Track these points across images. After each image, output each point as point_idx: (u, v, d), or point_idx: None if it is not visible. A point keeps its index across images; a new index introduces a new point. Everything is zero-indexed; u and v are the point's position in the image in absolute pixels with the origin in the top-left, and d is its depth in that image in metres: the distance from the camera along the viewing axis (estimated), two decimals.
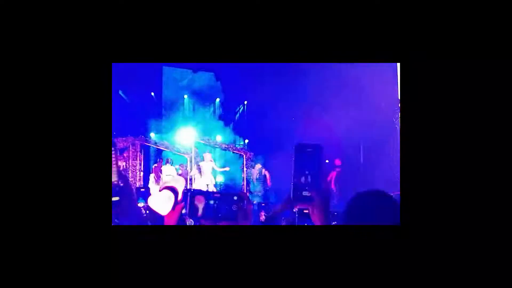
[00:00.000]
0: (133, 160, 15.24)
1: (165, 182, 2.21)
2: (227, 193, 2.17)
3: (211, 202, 2.17)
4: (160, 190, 2.19)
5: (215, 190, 11.85)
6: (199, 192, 2.19)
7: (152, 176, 15.04)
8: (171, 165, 14.97)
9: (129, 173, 14.97)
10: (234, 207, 2.15)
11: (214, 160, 16.02)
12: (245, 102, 19.59)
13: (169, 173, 14.50)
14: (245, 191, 15.51)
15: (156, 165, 15.19)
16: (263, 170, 16.05)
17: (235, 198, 2.14)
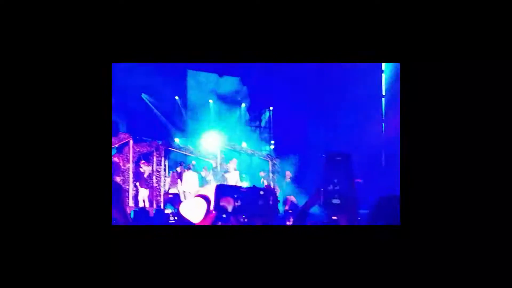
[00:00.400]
0: (158, 165, 15.26)
1: (197, 191, 2.23)
2: (254, 188, 2.15)
3: (236, 196, 2.16)
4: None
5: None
6: (225, 186, 2.18)
7: (167, 181, 15.01)
8: (194, 171, 14.90)
9: (153, 179, 15.00)
10: (260, 202, 2.13)
11: (239, 167, 15.96)
12: (271, 108, 19.56)
13: (191, 180, 14.46)
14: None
15: (179, 169, 15.15)
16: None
17: (262, 193, 2.12)
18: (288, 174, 16.11)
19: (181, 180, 14.63)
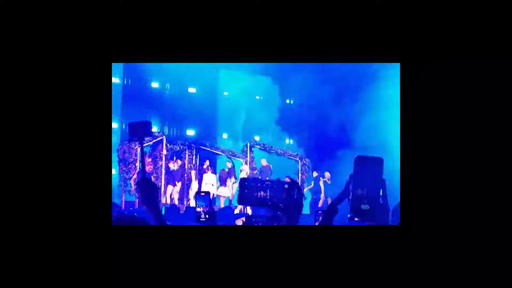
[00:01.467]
0: (190, 163, 15.46)
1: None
2: (278, 182, 2.10)
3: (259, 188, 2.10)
4: None
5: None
6: (249, 179, 2.14)
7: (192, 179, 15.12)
8: (213, 173, 15.00)
9: (185, 176, 15.20)
10: (284, 196, 2.08)
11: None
12: (303, 107, 19.55)
13: (209, 182, 14.56)
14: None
15: (193, 172, 15.26)
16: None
17: (286, 186, 2.07)
18: (327, 175, 15.96)
19: (201, 180, 14.76)
